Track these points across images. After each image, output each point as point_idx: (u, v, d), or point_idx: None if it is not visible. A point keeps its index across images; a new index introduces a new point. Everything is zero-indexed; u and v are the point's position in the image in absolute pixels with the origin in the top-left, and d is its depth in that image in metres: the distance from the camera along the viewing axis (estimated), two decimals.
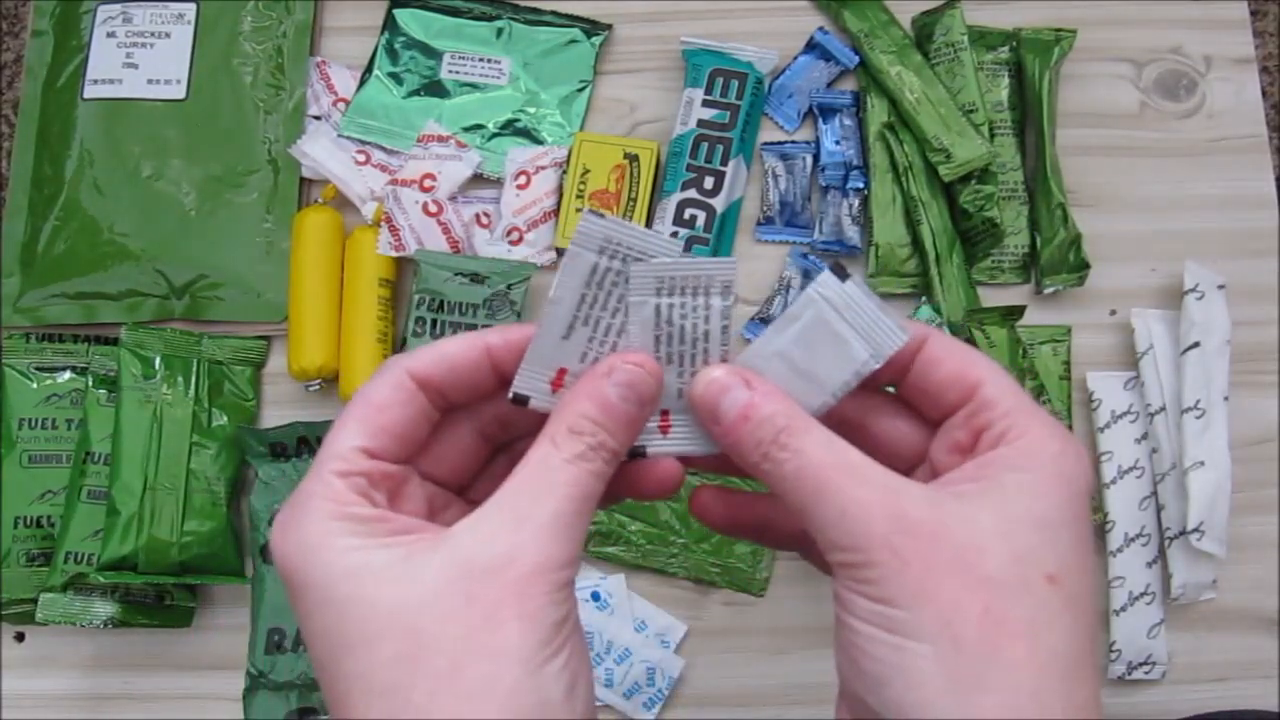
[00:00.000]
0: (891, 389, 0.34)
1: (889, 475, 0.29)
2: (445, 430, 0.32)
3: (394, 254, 0.65)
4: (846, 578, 0.28)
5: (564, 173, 0.68)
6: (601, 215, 0.30)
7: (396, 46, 0.71)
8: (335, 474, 0.28)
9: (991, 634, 0.26)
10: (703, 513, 0.35)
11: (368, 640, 0.26)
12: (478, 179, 0.69)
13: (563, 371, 0.30)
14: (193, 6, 0.71)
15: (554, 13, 0.72)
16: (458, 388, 0.31)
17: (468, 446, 0.32)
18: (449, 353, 0.31)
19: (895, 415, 0.33)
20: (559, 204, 0.68)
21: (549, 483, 0.28)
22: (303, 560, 0.27)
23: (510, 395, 0.30)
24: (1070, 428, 0.64)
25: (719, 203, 0.65)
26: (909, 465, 0.33)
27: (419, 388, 0.30)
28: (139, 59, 0.70)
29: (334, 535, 0.27)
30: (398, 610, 0.26)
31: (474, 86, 0.70)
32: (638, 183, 0.67)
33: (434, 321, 0.64)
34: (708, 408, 0.30)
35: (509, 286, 0.64)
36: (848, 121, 0.69)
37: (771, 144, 0.69)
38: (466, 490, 0.33)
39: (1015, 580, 0.27)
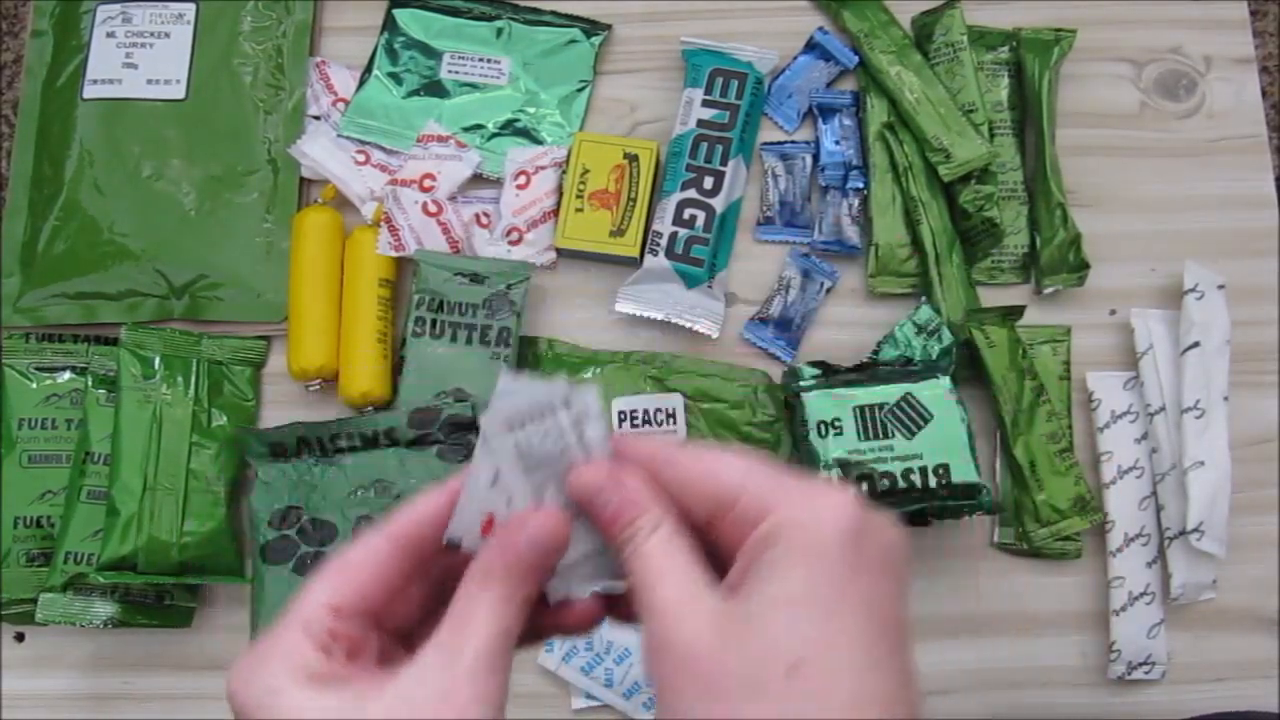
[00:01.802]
0: None
1: (686, 593, 0.29)
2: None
3: (394, 254, 0.65)
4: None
5: (564, 173, 0.68)
6: (512, 385, 0.31)
7: (396, 46, 0.71)
8: (301, 629, 0.31)
9: None
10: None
11: None
12: (477, 179, 0.69)
13: (491, 517, 0.32)
14: (193, 6, 0.71)
15: (554, 13, 0.72)
16: (424, 548, 0.33)
17: (419, 597, 0.34)
18: (424, 512, 0.33)
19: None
20: (559, 204, 0.67)
21: (472, 622, 0.30)
22: (258, 704, 0.30)
23: (445, 540, 0.33)
24: (1070, 428, 0.65)
25: (719, 203, 0.65)
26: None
27: (396, 547, 0.32)
28: (139, 59, 0.70)
29: (293, 683, 0.29)
30: None
31: (474, 86, 0.70)
32: (637, 183, 0.67)
33: (434, 321, 0.64)
34: (585, 503, 0.32)
35: (509, 286, 0.64)
36: (847, 121, 0.69)
37: (771, 144, 0.69)
38: (410, 637, 0.35)
39: (751, 685, 0.27)
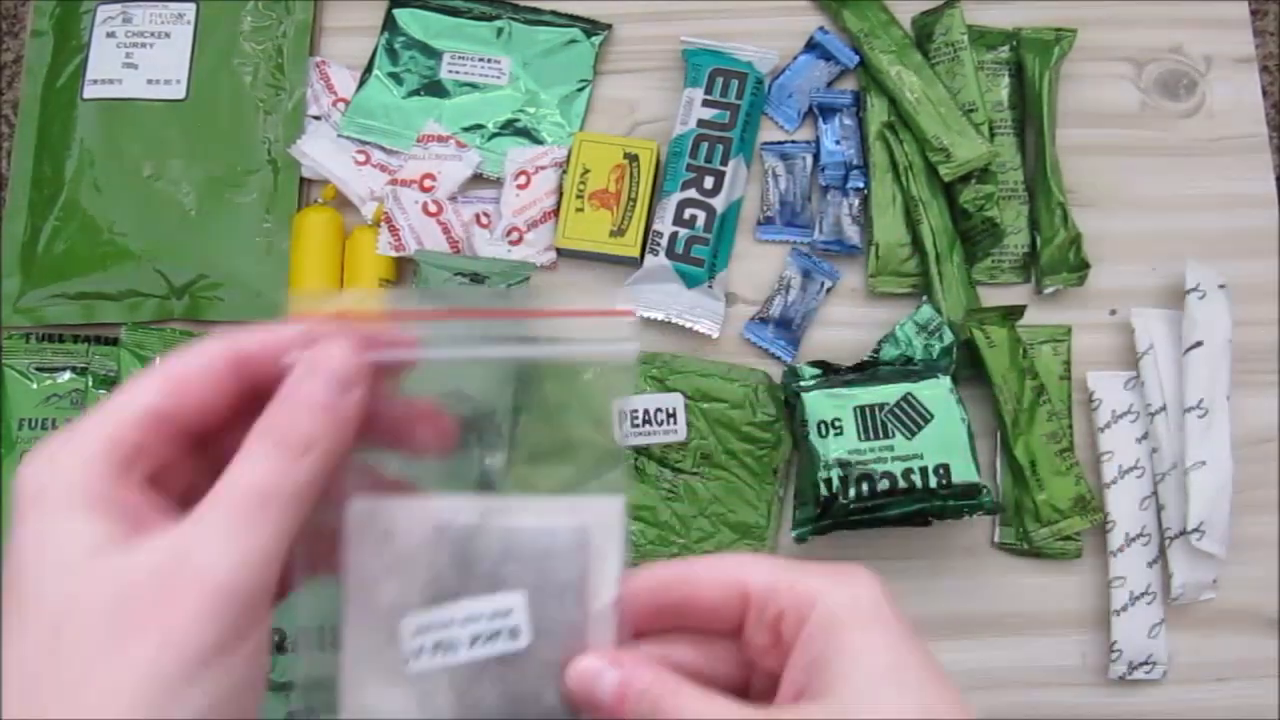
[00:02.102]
0: None
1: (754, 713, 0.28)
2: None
3: (394, 254, 0.65)
4: None
5: (564, 173, 0.68)
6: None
7: (396, 46, 0.71)
8: (109, 428, 0.26)
9: None
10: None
11: (27, 616, 0.24)
12: (477, 179, 0.69)
13: None
14: (193, 6, 0.71)
15: (554, 13, 0.72)
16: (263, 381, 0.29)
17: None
18: (275, 339, 0.29)
19: (708, 650, 0.31)
20: (559, 204, 0.67)
21: (233, 472, 0.26)
22: (23, 497, 0.26)
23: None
24: (1070, 427, 0.65)
25: (719, 202, 0.65)
26: (745, 683, 0.32)
27: (235, 367, 0.28)
28: (139, 59, 0.70)
29: (65, 494, 0.25)
30: (59, 605, 0.24)
31: (474, 86, 0.70)
32: (638, 183, 0.67)
33: None
34: (585, 694, 0.29)
35: (509, 286, 0.64)
36: (848, 121, 0.69)
37: (771, 144, 0.69)
38: None
39: None
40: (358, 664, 0.29)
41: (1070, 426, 0.65)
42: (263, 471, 0.26)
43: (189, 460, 0.28)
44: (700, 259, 0.65)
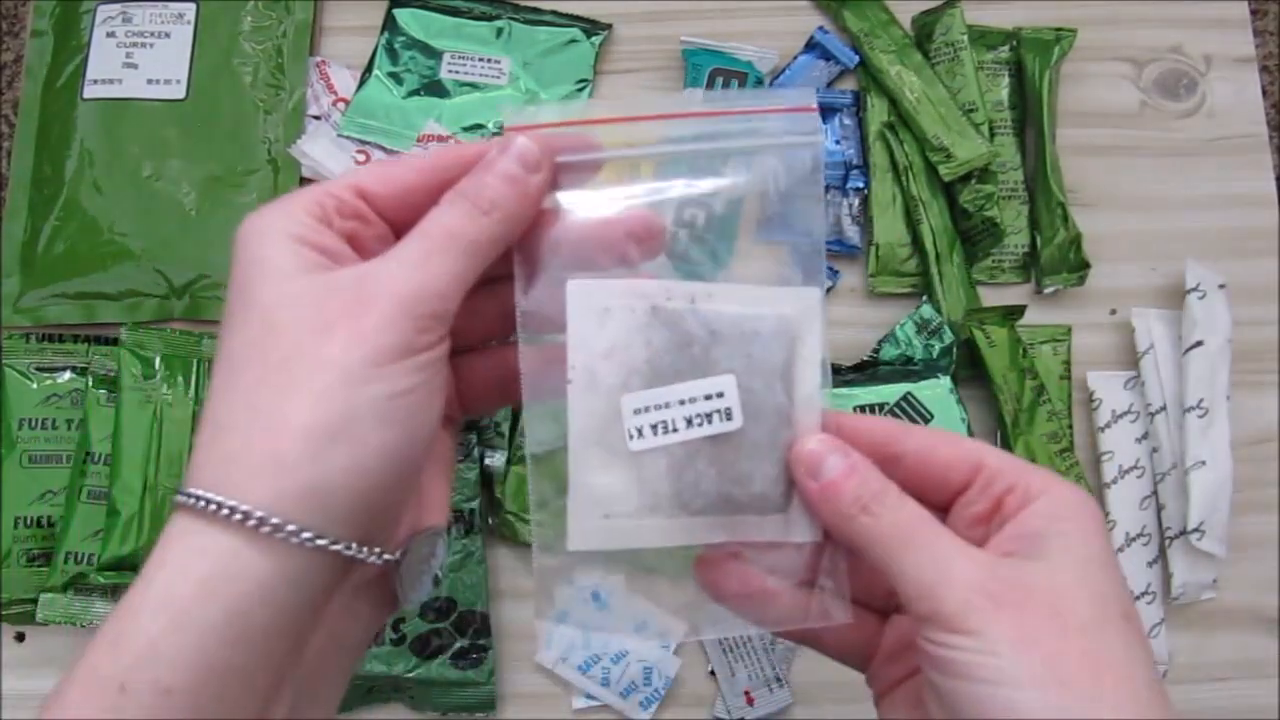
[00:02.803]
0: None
1: (971, 554, 0.30)
2: None
3: None
4: (937, 627, 0.29)
5: None
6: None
7: (396, 46, 0.71)
8: (316, 194, 0.30)
9: (1092, 674, 0.28)
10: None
11: (244, 316, 0.29)
12: None
13: None
14: (193, 6, 0.71)
15: (554, 12, 0.72)
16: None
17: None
18: (473, 150, 0.32)
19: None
20: None
21: (430, 228, 0.30)
22: (243, 240, 0.30)
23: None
24: (1070, 427, 0.65)
25: (719, 202, 0.65)
26: None
27: (435, 169, 0.32)
28: (139, 59, 0.70)
29: (278, 234, 0.30)
30: (271, 303, 0.29)
31: (474, 86, 0.70)
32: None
33: None
34: (808, 467, 0.31)
35: None
36: (848, 121, 0.69)
37: None
38: None
39: (1101, 623, 0.29)
40: (584, 444, 0.30)
41: (1070, 426, 0.65)
42: (451, 217, 0.30)
43: (383, 247, 0.31)
44: (700, 259, 0.65)
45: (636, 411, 0.29)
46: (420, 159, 0.32)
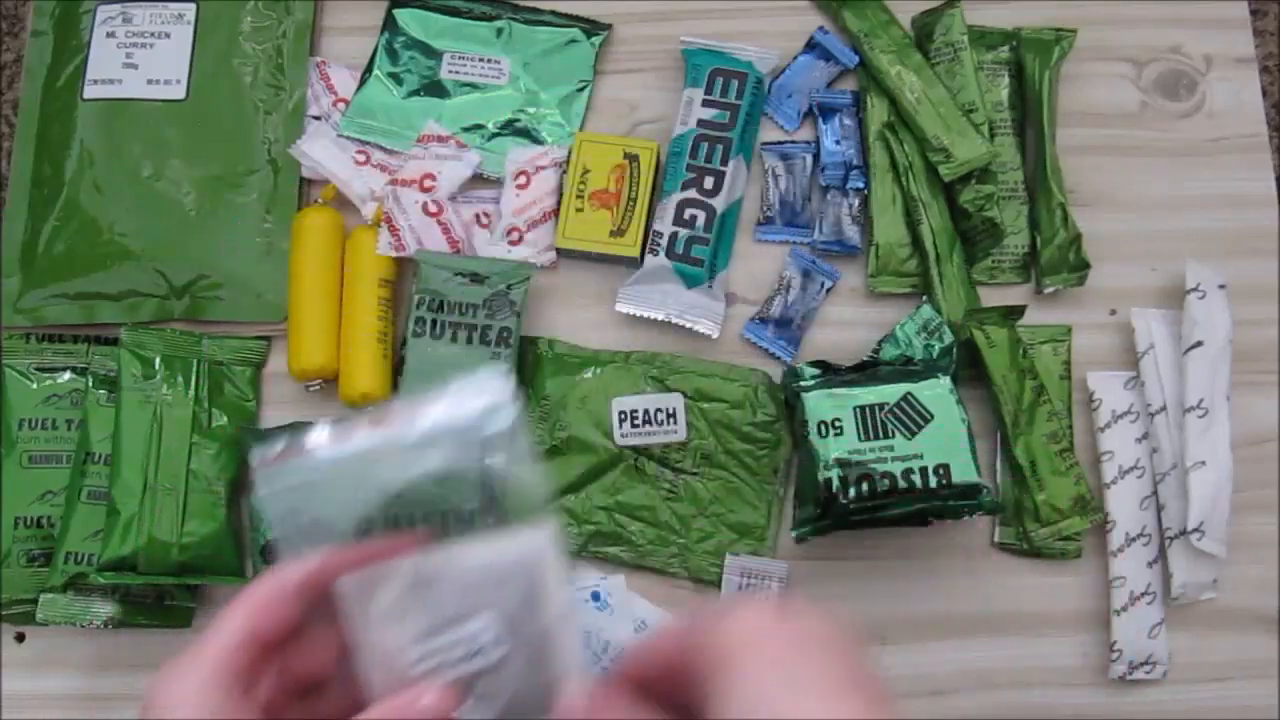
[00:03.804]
0: None
1: None
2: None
3: (394, 254, 0.65)
4: None
5: (564, 173, 0.68)
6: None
7: (396, 46, 0.71)
8: (226, 652, 0.33)
9: None
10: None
11: None
12: (478, 179, 0.69)
13: None
14: (193, 6, 0.71)
15: (554, 13, 0.72)
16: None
17: (326, 649, 0.37)
18: (334, 562, 0.36)
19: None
20: (559, 204, 0.67)
21: None
22: (161, 705, 0.33)
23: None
24: (1070, 427, 0.65)
25: (719, 203, 0.65)
26: None
27: (302, 591, 0.35)
28: (139, 59, 0.70)
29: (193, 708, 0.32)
30: None
31: (474, 86, 0.70)
32: (638, 183, 0.67)
33: (434, 322, 0.64)
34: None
35: (509, 286, 0.64)
36: (848, 121, 0.69)
37: (771, 144, 0.69)
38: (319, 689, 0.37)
39: None
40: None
41: (1070, 426, 0.65)
42: None
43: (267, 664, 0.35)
44: (700, 259, 0.65)
45: (418, 661, 0.35)
46: (287, 594, 0.35)
